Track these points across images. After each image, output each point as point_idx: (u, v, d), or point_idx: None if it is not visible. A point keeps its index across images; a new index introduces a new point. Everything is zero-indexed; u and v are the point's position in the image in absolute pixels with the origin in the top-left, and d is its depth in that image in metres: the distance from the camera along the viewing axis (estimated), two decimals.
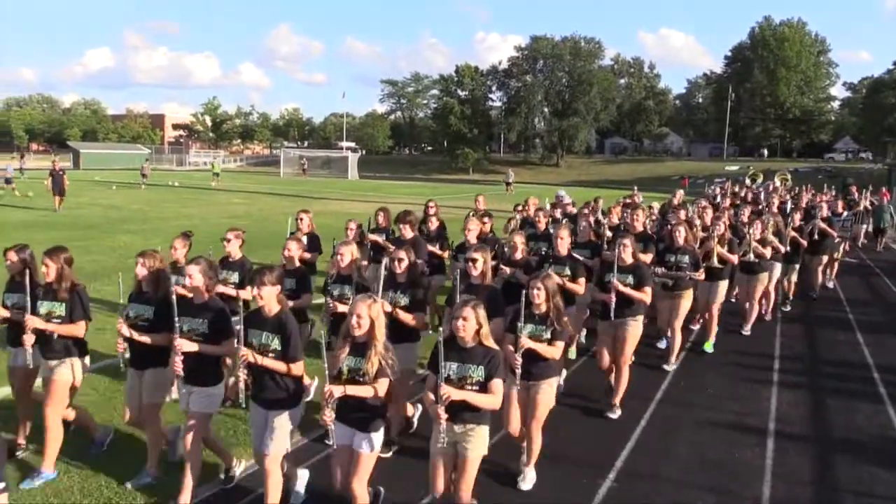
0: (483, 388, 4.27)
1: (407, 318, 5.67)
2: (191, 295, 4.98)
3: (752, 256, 9.77)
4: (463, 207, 19.91)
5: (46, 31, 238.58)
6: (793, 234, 11.45)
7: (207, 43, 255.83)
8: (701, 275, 8.21)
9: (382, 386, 4.21)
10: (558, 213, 11.19)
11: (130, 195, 33.78)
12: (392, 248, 7.17)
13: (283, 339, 4.50)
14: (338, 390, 4.12)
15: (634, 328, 6.95)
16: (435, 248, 9.42)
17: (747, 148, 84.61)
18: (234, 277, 6.90)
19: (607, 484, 5.50)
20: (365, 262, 7.91)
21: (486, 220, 9.25)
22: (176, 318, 4.73)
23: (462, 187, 50.07)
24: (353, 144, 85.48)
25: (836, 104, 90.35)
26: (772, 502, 5.30)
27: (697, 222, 10.36)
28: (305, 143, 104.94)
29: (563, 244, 7.18)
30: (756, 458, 6.06)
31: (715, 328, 9.36)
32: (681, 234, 8.29)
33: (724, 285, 9.27)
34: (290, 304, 5.47)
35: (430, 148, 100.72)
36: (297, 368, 4.54)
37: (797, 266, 11.91)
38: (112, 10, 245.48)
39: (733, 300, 11.09)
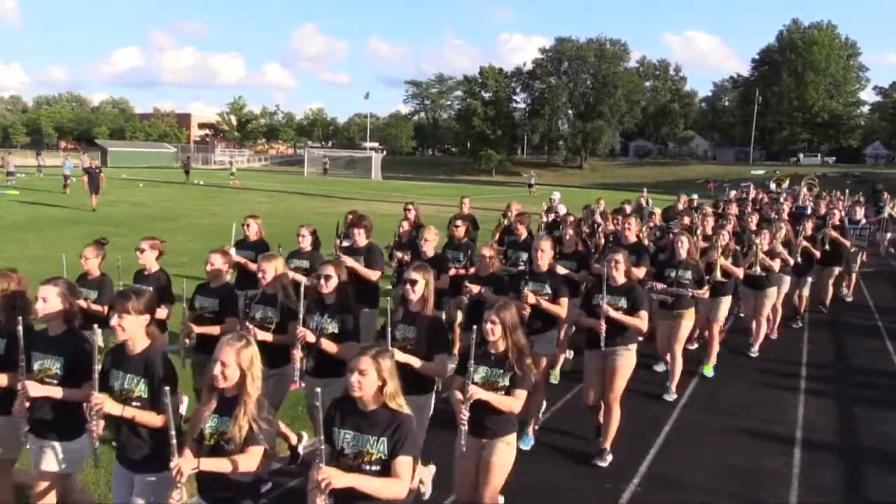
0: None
1: (332, 347, 4.72)
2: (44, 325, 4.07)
3: (758, 269, 8.84)
4: (486, 209, 19.89)
5: (76, 30, 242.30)
6: (804, 243, 10.41)
7: (233, 43, 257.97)
8: (705, 292, 7.40)
9: (252, 458, 3.20)
10: (551, 219, 10.42)
11: (157, 193, 34.15)
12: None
13: (150, 384, 3.58)
14: (188, 464, 3.12)
15: (627, 359, 5.89)
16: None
17: (774, 152, 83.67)
18: None
19: (631, 489, 5.46)
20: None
21: (458, 223, 8.41)
22: (21, 355, 3.85)
23: (485, 189, 50.03)
24: (376, 145, 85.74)
25: (865, 108, 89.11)
26: None
27: (699, 231, 9.41)
28: (329, 143, 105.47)
29: (544, 257, 6.14)
30: (783, 466, 5.98)
31: (716, 349, 8.52)
32: (683, 246, 7.38)
33: (727, 302, 8.48)
34: (210, 329, 5.21)
35: (453, 149, 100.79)
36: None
37: (809, 279, 10.94)
38: (140, 10, 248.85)
39: (742, 315, 10.50)
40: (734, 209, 12.95)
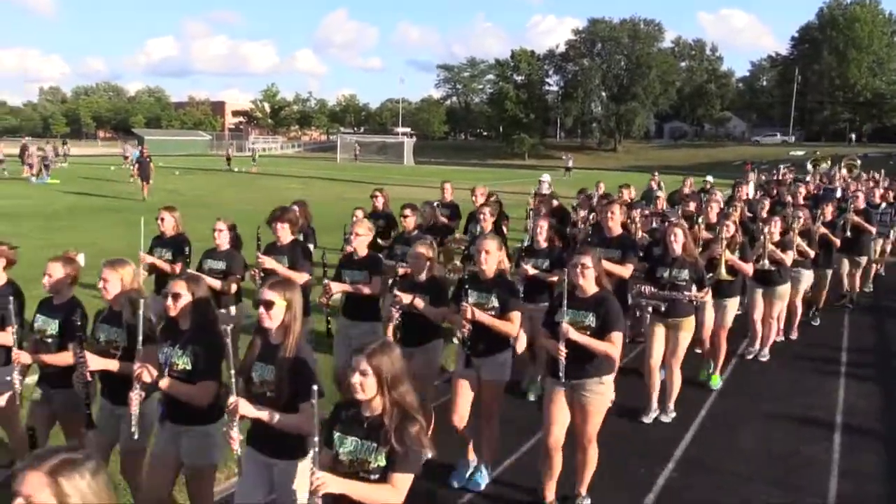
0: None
1: (178, 388, 3.71)
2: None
3: (766, 263, 7.71)
4: (520, 193, 19.78)
5: (112, 21, 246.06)
6: (822, 230, 9.34)
7: (265, 31, 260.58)
8: (705, 295, 6.26)
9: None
10: (536, 205, 9.12)
11: (192, 181, 34.61)
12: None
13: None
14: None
15: (597, 396, 4.61)
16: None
17: (814, 132, 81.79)
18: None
19: (666, 474, 5.42)
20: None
21: (406, 211, 7.27)
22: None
23: (518, 172, 49.74)
24: (408, 130, 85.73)
25: None
26: (838, 498, 5.14)
27: (701, 220, 8.13)
28: (362, 129, 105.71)
29: (489, 261, 4.90)
30: (822, 452, 5.88)
31: (722, 357, 7.45)
32: (677, 240, 6.12)
33: (733, 304, 7.43)
34: (54, 359, 4.24)
35: (485, 133, 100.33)
36: None
37: (829, 271, 9.93)
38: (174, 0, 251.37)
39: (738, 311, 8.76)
40: (744, 193, 11.61)
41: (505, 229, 9.08)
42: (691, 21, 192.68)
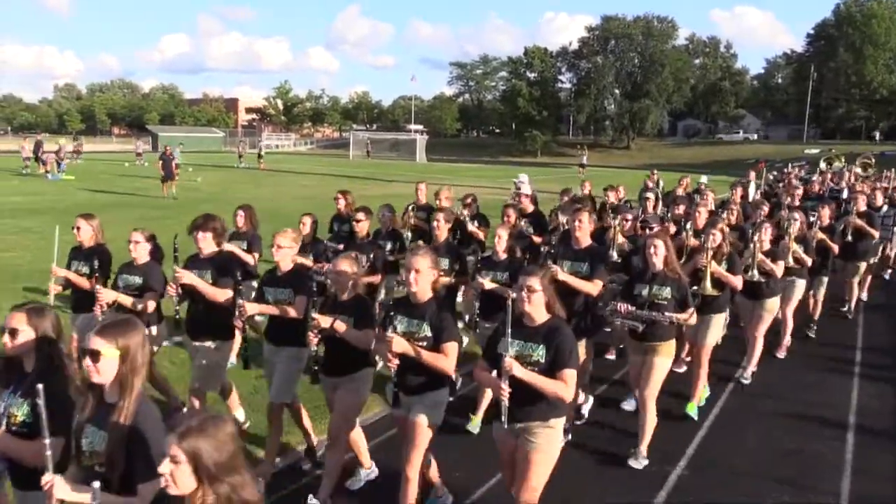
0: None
1: (19, 446, 3.02)
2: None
3: (756, 275, 7.02)
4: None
5: (126, 18, 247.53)
6: (820, 235, 8.65)
7: (278, 27, 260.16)
8: (689, 317, 5.41)
9: None
10: (511, 213, 7.90)
11: (205, 177, 34.75)
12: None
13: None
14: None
15: (545, 443, 3.92)
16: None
17: (829, 130, 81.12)
18: None
19: (677, 472, 5.42)
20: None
21: (360, 216, 7.03)
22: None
23: (531, 170, 49.62)
24: (421, 127, 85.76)
25: None
26: (851, 497, 5.13)
27: (689, 225, 7.49)
28: (374, 126, 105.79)
29: (419, 281, 4.19)
30: (835, 451, 5.86)
31: (703, 379, 6.60)
32: (657, 254, 5.40)
33: (719, 321, 6.70)
34: None
35: (497, 131, 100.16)
36: None
37: (825, 279, 9.15)
38: None
39: (742, 324, 8.13)
40: (738, 196, 10.75)
41: (482, 236, 8.61)
42: (706, 18, 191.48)
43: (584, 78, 79.47)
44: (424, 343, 4.13)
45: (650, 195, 10.24)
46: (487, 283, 5.88)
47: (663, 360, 5.51)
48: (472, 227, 8.60)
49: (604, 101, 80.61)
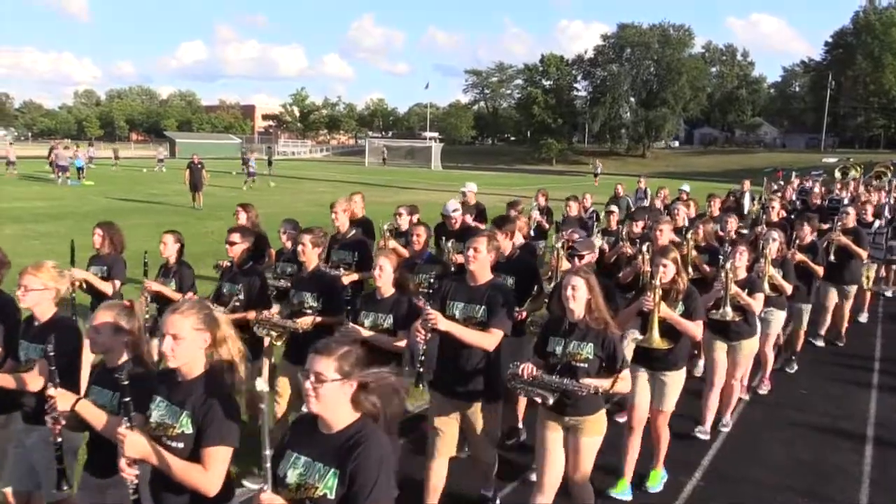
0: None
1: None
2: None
3: (729, 312, 5.77)
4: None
5: (144, 25, 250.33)
6: (799, 257, 7.43)
7: (294, 35, 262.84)
8: (614, 386, 3.97)
9: None
10: (420, 233, 6.81)
11: (222, 183, 34.96)
12: None
13: None
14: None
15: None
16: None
17: (847, 139, 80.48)
18: None
19: (693, 483, 5.38)
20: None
21: (305, 240, 5.27)
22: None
23: (545, 178, 49.60)
24: (436, 134, 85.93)
25: None
26: None
27: (646, 247, 6.14)
28: (390, 133, 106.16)
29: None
30: (853, 463, 5.80)
31: (665, 447, 5.32)
32: (576, 296, 4.07)
33: (677, 380, 5.13)
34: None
35: (513, 138, 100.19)
36: None
37: (807, 307, 7.98)
38: (204, 4, 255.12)
39: (698, 368, 7.39)
40: (716, 208, 9.71)
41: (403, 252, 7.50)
42: (722, 27, 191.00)
43: (600, 86, 79.33)
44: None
45: (614, 208, 9.34)
46: (364, 331, 4.54)
47: (591, 440, 4.15)
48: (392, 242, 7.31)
49: (619, 109, 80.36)
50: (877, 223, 10.57)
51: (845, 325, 9.25)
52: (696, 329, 4.98)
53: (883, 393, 7.50)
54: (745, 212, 12.20)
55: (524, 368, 4.02)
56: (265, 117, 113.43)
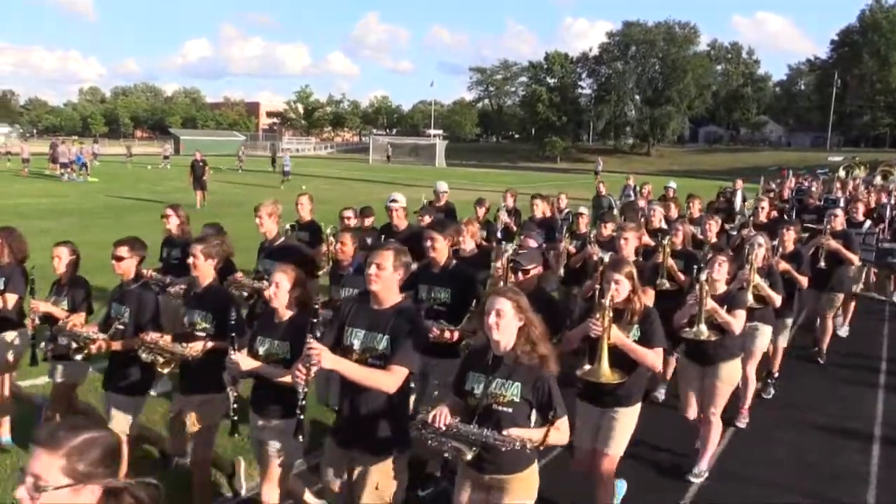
0: None
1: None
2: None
3: (702, 332, 4.98)
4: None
5: (150, 23, 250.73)
6: (782, 266, 6.77)
7: (298, 33, 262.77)
8: (546, 439, 3.13)
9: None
10: (346, 240, 5.94)
11: (226, 180, 34.97)
12: None
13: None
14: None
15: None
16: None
17: (853, 137, 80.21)
18: None
19: (699, 483, 5.33)
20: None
21: (197, 252, 4.90)
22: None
23: (549, 176, 49.53)
24: (440, 132, 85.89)
25: None
26: None
27: (608, 256, 5.60)
28: (394, 131, 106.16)
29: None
30: (860, 464, 5.74)
31: (611, 500, 4.55)
32: (500, 324, 3.28)
33: (628, 419, 4.33)
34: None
35: (517, 136, 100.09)
36: None
37: (789, 321, 7.32)
38: (209, 2, 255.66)
39: (660, 391, 6.93)
40: (696, 210, 9.16)
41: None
42: (727, 25, 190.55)
43: (605, 84, 79.24)
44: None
45: (584, 209, 8.65)
46: (243, 362, 3.86)
47: (512, 500, 3.34)
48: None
49: (624, 107, 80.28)
50: (867, 223, 9.93)
51: (827, 339, 8.40)
52: (654, 358, 4.16)
53: (890, 393, 7.44)
54: (736, 210, 11.84)
55: (436, 414, 3.19)
56: (269, 114, 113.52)
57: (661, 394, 6.94)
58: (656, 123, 77.16)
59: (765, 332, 6.42)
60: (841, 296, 8.42)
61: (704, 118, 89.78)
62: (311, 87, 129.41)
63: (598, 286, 4.59)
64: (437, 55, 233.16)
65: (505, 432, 3.10)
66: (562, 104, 77.89)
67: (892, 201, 13.61)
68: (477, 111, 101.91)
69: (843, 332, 9.51)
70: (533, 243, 6.23)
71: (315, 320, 3.35)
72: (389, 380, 3.45)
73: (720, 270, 5.29)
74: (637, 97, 79.68)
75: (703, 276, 5.00)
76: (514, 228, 10.09)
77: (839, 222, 8.34)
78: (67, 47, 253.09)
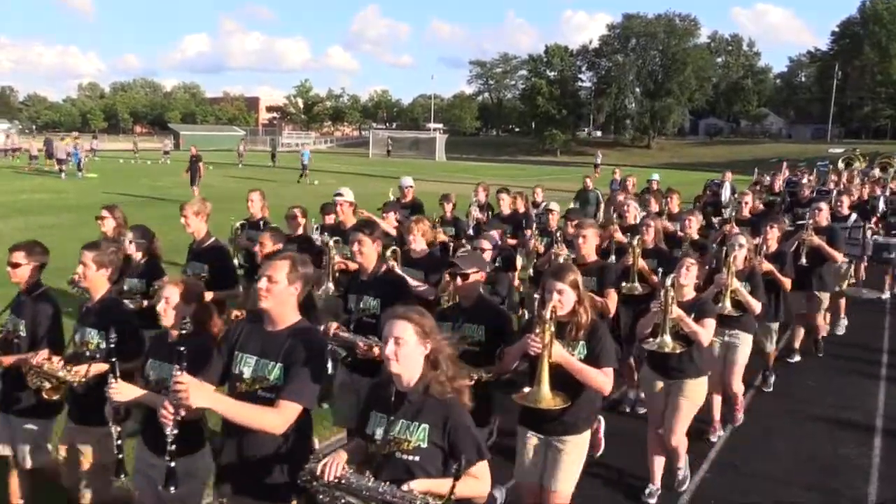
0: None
1: None
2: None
3: (666, 343, 4.50)
4: (549, 190, 19.65)
5: (148, 18, 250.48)
6: (766, 267, 6.21)
7: (298, 27, 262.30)
8: (463, 487, 2.59)
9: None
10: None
11: (225, 175, 34.95)
12: None
13: None
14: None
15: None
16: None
17: (854, 129, 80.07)
18: None
19: (700, 475, 5.33)
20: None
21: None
22: None
23: (550, 169, 49.49)
24: (440, 126, 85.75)
25: None
26: (878, 503, 5.00)
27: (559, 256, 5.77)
28: (394, 125, 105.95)
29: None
30: (861, 456, 5.74)
31: None
32: (398, 356, 2.73)
33: (577, 449, 3.79)
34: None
35: (517, 129, 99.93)
36: None
37: (774, 327, 6.81)
38: None
39: (630, 399, 6.61)
40: (674, 205, 8.58)
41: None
42: (727, 16, 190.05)
43: (605, 76, 79.12)
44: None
45: (554, 206, 8.15)
46: (134, 392, 3.26)
47: None
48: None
49: (624, 99, 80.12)
50: (853, 217, 9.41)
51: (823, 333, 8.32)
52: (602, 380, 3.57)
53: (891, 385, 7.42)
54: (724, 204, 11.21)
55: (328, 464, 2.65)
56: (269, 109, 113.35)
57: (630, 403, 6.55)
58: (657, 116, 77.09)
59: (746, 341, 5.89)
60: (826, 296, 7.96)
61: (705, 110, 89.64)
62: (312, 81, 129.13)
63: (537, 296, 3.98)
64: (437, 49, 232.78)
65: (405, 487, 2.54)
66: (562, 97, 77.74)
67: (886, 193, 13.34)
68: (477, 105, 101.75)
69: (841, 329, 9.22)
70: (487, 244, 5.81)
71: (181, 349, 2.80)
72: (276, 419, 2.91)
73: (688, 275, 4.78)
74: (637, 90, 79.51)
75: (668, 281, 4.52)
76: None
77: (823, 217, 7.89)
78: (66, 43, 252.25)
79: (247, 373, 3.10)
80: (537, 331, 3.44)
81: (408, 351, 2.72)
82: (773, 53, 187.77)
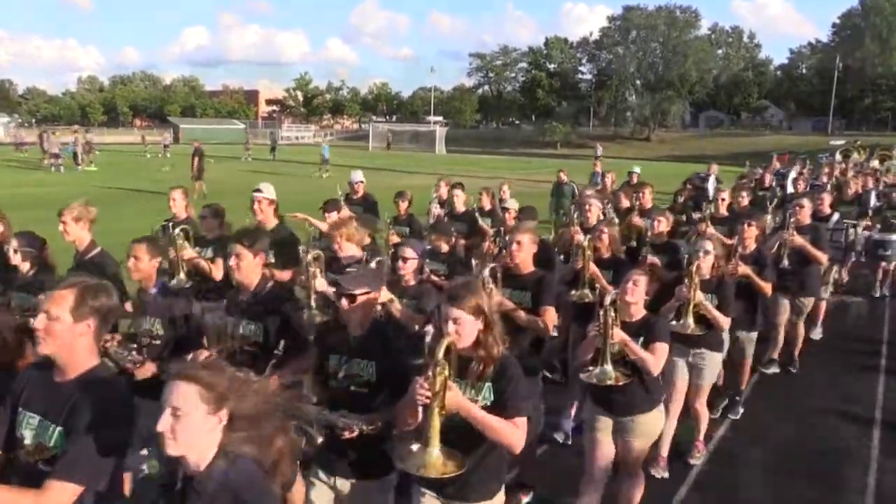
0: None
1: None
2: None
3: (608, 373, 3.73)
4: (548, 182, 19.64)
5: (148, 11, 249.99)
6: (743, 270, 5.57)
7: (296, 20, 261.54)
8: None
9: None
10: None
11: (227, 169, 34.92)
12: None
13: None
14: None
15: None
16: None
17: (855, 121, 79.96)
18: None
19: (698, 466, 5.34)
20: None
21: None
22: None
23: (550, 161, 49.38)
24: (440, 118, 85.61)
25: None
26: (877, 494, 5.02)
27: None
28: (394, 118, 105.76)
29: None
30: (861, 447, 5.75)
31: None
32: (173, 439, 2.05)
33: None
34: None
35: (517, 122, 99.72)
36: None
37: (751, 336, 6.04)
38: None
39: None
40: (647, 200, 7.94)
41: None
42: (727, 8, 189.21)
43: (605, 69, 79.07)
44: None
45: (511, 205, 7.18)
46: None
47: None
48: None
49: (625, 92, 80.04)
50: (835, 216, 8.66)
51: (799, 345, 7.57)
52: (510, 433, 2.75)
53: (891, 376, 7.43)
54: (710, 199, 10.26)
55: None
56: (269, 102, 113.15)
57: (564, 434, 5.66)
58: (657, 108, 76.96)
59: (713, 361, 5.20)
60: (811, 300, 7.43)
61: (705, 103, 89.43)
62: (311, 74, 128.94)
63: (429, 328, 3.35)
64: (436, 41, 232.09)
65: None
66: (562, 90, 77.76)
67: (880, 187, 12.98)
68: (477, 97, 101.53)
69: (817, 334, 8.52)
70: (411, 252, 4.72)
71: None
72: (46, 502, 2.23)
73: (635, 290, 3.98)
74: (638, 82, 79.42)
75: (608, 299, 3.68)
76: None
77: (805, 214, 7.18)
78: (65, 36, 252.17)
79: (28, 438, 2.39)
80: (427, 373, 2.58)
81: (189, 423, 1.97)
82: (774, 45, 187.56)
